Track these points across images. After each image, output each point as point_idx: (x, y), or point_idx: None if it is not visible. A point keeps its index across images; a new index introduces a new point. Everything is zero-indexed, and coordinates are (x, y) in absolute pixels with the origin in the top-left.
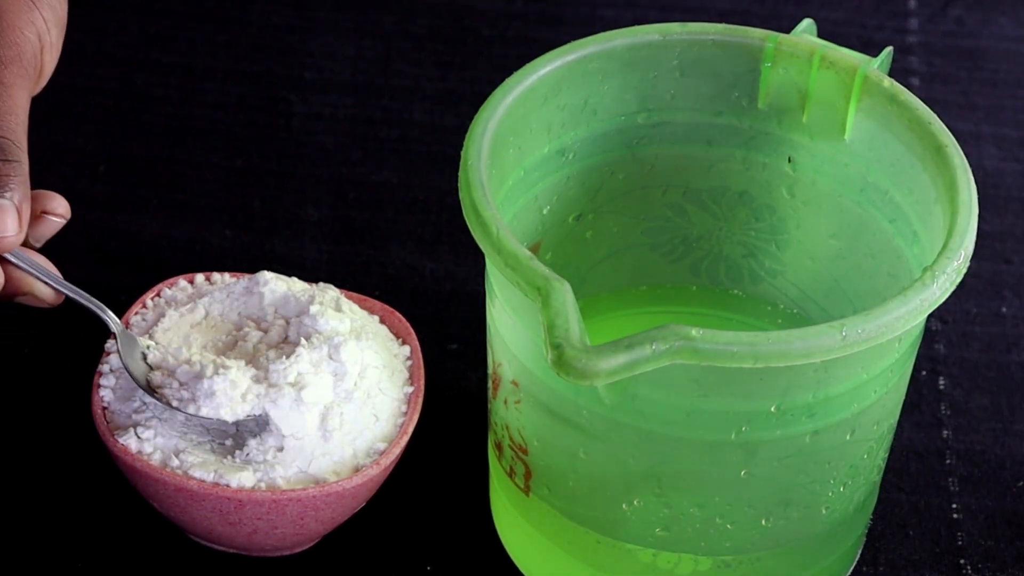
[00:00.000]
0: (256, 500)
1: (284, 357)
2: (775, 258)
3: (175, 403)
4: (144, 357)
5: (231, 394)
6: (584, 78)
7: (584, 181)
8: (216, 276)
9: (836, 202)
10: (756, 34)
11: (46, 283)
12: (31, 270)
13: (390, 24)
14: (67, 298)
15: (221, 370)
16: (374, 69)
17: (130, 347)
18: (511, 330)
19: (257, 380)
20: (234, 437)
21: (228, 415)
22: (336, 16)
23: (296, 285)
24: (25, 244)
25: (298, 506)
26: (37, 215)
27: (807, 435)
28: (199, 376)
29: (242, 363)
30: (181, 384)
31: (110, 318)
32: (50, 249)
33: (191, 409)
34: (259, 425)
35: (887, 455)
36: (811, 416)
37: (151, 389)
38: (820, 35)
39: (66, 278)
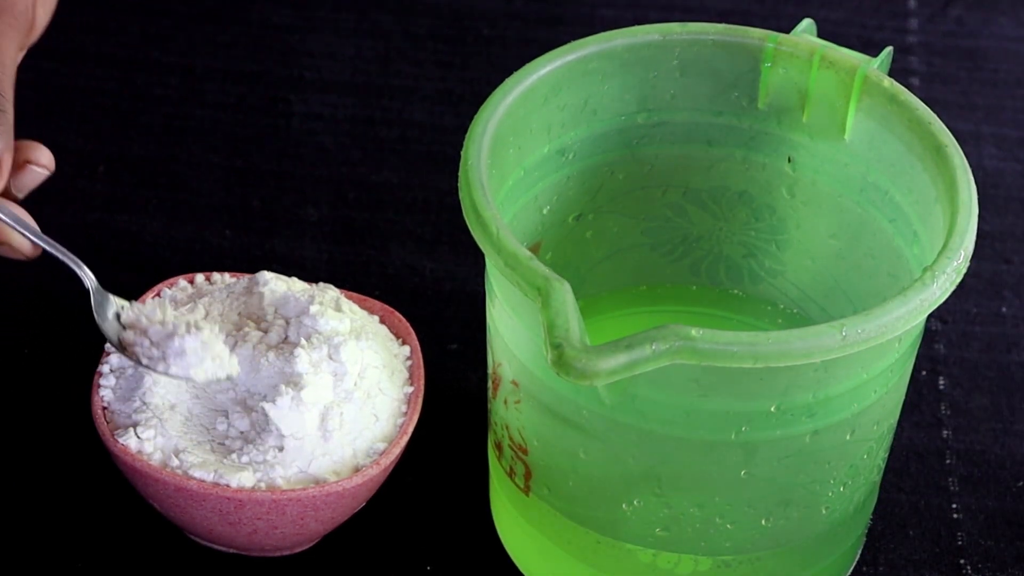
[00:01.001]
0: (256, 500)
1: (283, 357)
2: (775, 258)
3: (145, 361)
4: (118, 317)
5: (202, 354)
6: (584, 78)
7: (584, 181)
8: (216, 276)
9: (836, 202)
10: (756, 34)
11: (24, 235)
12: (9, 221)
13: (390, 24)
14: (44, 252)
15: (193, 330)
16: (374, 69)
17: (104, 305)
18: (511, 330)
19: (234, 345)
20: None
21: (198, 375)
22: (336, 16)
23: (296, 285)
24: (7, 195)
25: (298, 506)
26: (20, 165)
27: (807, 435)
28: (171, 335)
29: (216, 327)
30: (152, 343)
31: (85, 274)
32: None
33: (160, 368)
34: (233, 389)
35: (887, 455)
36: (811, 416)
37: (122, 347)
38: (820, 35)
39: (66, 278)
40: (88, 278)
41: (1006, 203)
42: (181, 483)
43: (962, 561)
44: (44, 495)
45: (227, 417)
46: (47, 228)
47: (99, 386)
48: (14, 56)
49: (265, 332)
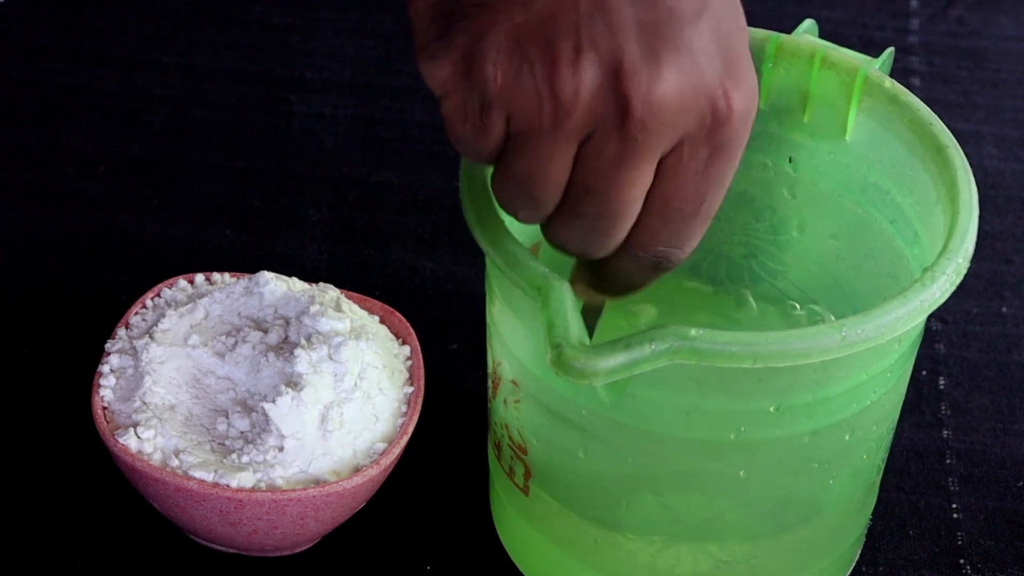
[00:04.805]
0: (256, 500)
1: (283, 357)
2: (776, 258)
3: None
4: None
5: None
6: None
7: None
8: (216, 276)
9: (837, 202)
10: (757, 34)
11: None
12: None
13: (391, 24)
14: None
15: None
16: (375, 69)
17: None
18: (511, 330)
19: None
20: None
21: None
22: (337, 16)
23: (296, 285)
24: None
25: (298, 506)
26: None
27: (806, 435)
28: None
29: None
30: None
31: None
32: (49, 249)
33: None
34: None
35: (887, 455)
36: (810, 416)
37: None
38: (821, 35)
39: (66, 278)
40: None
41: (1006, 203)
42: (181, 483)
43: (962, 561)
44: (44, 495)
45: (227, 417)
46: (47, 228)
47: (99, 386)
48: None
49: (265, 332)
